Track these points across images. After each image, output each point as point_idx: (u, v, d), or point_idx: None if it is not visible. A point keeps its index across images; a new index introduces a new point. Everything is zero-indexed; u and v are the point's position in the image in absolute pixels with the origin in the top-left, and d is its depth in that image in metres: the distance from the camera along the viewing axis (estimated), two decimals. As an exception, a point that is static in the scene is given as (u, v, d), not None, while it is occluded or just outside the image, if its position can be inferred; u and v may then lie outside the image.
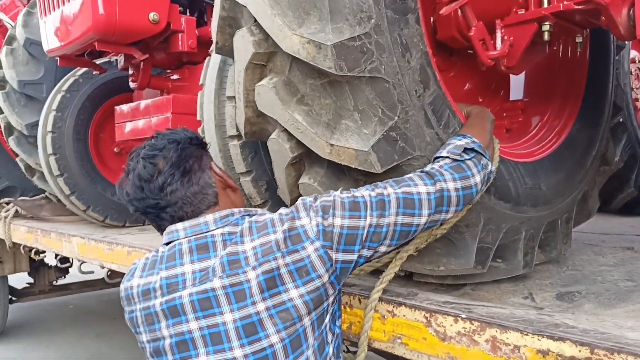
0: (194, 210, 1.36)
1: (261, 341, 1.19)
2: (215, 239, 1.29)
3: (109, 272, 4.56)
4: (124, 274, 1.43)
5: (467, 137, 1.43)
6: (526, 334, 1.11)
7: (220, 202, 1.40)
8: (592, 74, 2.08)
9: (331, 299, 1.28)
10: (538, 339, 1.10)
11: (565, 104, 2.07)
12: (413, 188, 1.29)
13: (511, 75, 2.17)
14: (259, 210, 1.41)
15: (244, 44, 1.44)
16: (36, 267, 5.66)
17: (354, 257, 1.26)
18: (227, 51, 1.60)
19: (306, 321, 1.22)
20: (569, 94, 2.08)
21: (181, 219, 1.36)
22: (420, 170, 1.37)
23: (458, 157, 1.36)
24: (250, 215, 1.35)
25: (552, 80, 2.13)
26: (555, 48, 2.10)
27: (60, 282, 5.94)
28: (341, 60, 1.29)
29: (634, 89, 3.99)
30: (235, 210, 1.37)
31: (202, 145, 1.46)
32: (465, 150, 1.39)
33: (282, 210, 1.32)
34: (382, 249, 1.31)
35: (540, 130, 2.05)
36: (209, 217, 1.34)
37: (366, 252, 1.27)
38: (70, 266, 5.41)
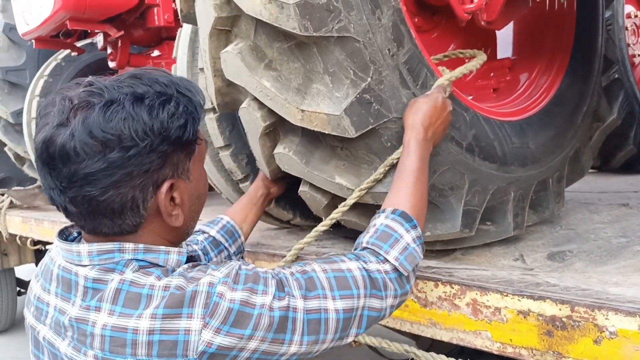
0: (91, 228, 0.96)
1: None
2: (78, 280, 0.93)
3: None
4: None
5: (412, 223, 1.13)
6: (506, 295, 1.07)
7: (141, 234, 0.97)
8: (580, 26, 2.01)
9: None
10: (518, 300, 1.05)
11: (554, 59, 1.99)
12: (355, 301, 1.01)
13: (498, 33, 2.10)
14: (169, 253, 0.98)
15: (205, 9, 1.37)
16: (42, 257, 5.62)
17: None
18: (192, 19, 1.53)
19: None
20: (557, 48, 2.01)
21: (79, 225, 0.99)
22: (364, 263, 1.06)
23: (405, 273, 1.09)
24: (141, 264, 0.94)
25: (539, 35, 2.06)
26: (540, 0, 2.02)
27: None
28: (306, 20, 1.22)
29: (631, 45, 3.88)
30: (129, 246, 0.94)
31: (184, 145, 0.96)
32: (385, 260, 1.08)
33: (184, 281, 0.89)
34: None
35: (529, 88, 1.98)
36: (83, 248, 0.94)
37: None
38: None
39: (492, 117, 1.65)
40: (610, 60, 2.30)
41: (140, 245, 0.95)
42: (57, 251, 1.01)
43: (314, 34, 1.24)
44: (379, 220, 1.15)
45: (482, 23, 1.60)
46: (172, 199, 0.96)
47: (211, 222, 1.59)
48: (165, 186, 0.94)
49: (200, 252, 1.48)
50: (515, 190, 1.66)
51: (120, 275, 0.91)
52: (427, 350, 1.32)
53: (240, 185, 1.91)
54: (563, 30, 2.01)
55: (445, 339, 1.19)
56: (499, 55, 2.12)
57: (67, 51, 3.46)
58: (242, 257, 1.65)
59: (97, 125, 0.86)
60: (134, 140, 0.88)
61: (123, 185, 0.90)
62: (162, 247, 0.97)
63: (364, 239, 1.13)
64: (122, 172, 0.89)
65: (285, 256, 1.60)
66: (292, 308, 0.92)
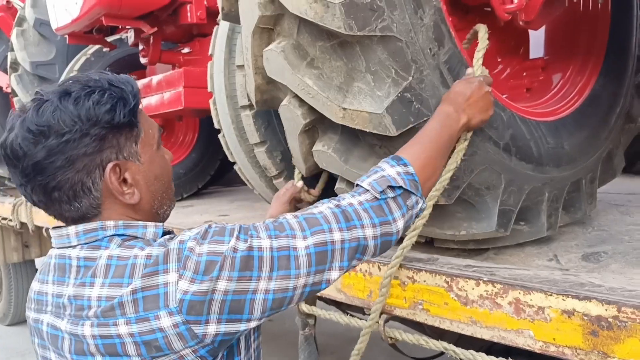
0: (60, 216, 1.06)
1: None
2: (71, 262, 1.03)
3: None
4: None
5: (401, 162, 1.15)
6: (550, 295, 1.08)
7: (106, 216, 1.05)
8: (614, 27, 2.00)
9: None
10: (563, 299, 1.06)
11: (588, 60, 1.99)
12: (327, 235, 1.03)
13: (531, 33, 2.10)
14: (146, 227, 1.07)
15: (249, 7, 1.39)
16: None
17: (241, 327, 0.98)
18: (233, 17, 1.55)
19: None
20: (591, 49, 2.00)
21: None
22: (336, 202, 1.08)
23: (378, 196, 1.09)
24: (123, 238, 1.04)
25: (573, 36, 2.05)
26: (575, 1, 2.01)
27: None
28: (350, 19, 1.24)
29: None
30: (110, 223, 1.04)
31: (118, 127, 1.02)
32: (391, 187, 1.10)
33: (159, 249, 0.98)
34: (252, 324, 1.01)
35: (562, 88, 1.98)
36: (71, 230, 1.04)
37: (255, 323, 1.00)
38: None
39: (528, 117, 1.66)
40: (642, 60, 2.30)
41: (120, 222, 1.05)
42: (53, 245, 1.09)
43: (358, 33, 1.25)
44: None
45: (520, 23, 1.60)
46: (125, 179, 1.05)
47: None
48: (109, 167, 1.02)
49: None
50: (549, 190, 1.67)
51: (107, 251, 1.00)
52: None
53: (274, 182, 1.93)
54: (597, 31, 2.01)
55: (486, 337, 1.20)
56: (532, 55, 2.12)
57: (97, 47, 3.49)
58: None
59: (32, 121, 0.98)
60: (64, 128, 0.97)
61: (68, 170, 0.99)
62: (140, 222, 1.07)
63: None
64: (63, 157, 0.98)
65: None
66: (257, 247, 0.98)
